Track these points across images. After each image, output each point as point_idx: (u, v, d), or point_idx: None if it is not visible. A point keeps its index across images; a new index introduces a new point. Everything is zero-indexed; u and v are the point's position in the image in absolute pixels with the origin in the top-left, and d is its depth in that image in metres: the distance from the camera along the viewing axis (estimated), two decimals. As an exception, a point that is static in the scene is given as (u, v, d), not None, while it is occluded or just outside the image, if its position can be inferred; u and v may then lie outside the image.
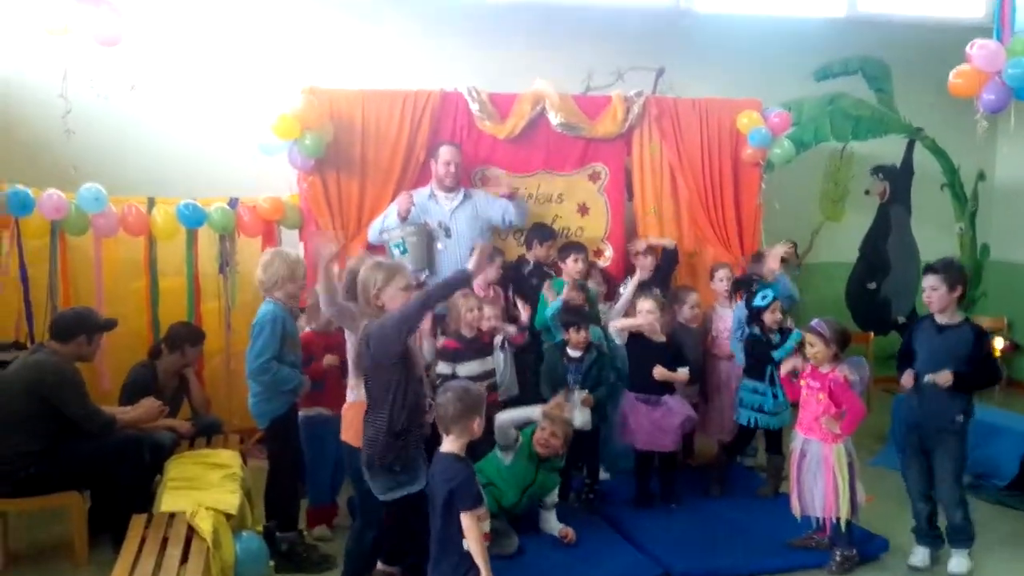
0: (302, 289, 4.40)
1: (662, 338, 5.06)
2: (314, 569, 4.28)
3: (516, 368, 5.24)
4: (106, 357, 5.22)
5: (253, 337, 4.20)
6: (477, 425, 3.33)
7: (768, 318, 5.07)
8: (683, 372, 5.04)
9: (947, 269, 4.23)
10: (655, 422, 4.91)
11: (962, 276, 4.26)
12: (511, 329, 5.12)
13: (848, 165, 7.91)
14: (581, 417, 4.79)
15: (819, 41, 7.63)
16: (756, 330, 5.14)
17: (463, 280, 3.66)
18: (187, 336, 5.19)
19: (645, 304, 5.07)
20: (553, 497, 4.63)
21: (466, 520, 3.11)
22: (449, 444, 3.31)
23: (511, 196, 5.72)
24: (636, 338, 5.09)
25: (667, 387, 5.00)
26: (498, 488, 4.43)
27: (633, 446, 5.02)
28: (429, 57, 6.57)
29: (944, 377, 4.09)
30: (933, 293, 4.22)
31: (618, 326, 5.14)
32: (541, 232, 5.72)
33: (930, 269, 4.27)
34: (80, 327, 4.49)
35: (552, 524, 4.58)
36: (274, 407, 4.26)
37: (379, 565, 3.68)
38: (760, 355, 5.11)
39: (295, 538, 4.36)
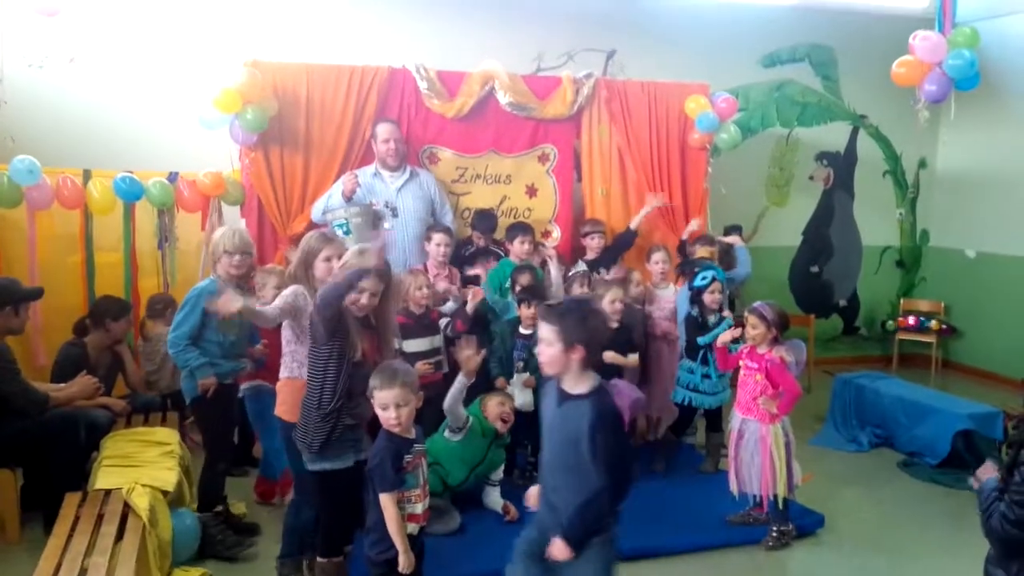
0: (241, 264, 4.20)
1: (615, 324, 5.06)
2: (224, 552, 4.17)
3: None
4: (40, 333, 5.10)
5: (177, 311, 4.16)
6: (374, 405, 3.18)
7: (707, 298, 5.12)
8: (633, 358, 5.08)
9: (564, 317, 2.79)
10: None
11: (587, 329, 2.78)
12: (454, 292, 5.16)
13: (793, 151, 8.02)
14: (522, 397, 4.83)
15: (768, 27, 7.70)
16: (694, 311, 5.19)
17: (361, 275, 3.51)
18: (107, 310, 5.03)
19: (612, 295, 5.07)
20: (499, 474, 4.66)
21: (382, 499, 3.06)
22: None
23: None
24: None
25: (616, 370, 5.02)
26: (443, 467, 4.43)
27: None
28: (376, 32, 6.49)
29: (556, 551, 2.79)
30: (546, 350, 2.83)
31: None
32: (482, 221, 5.74)
33: (544, 314, 2.90)
34: (4, 298, 4.34)
35: (495, 499, 4.60)
36: (192, 385, 4.17)
37: (319, 559, 3.61)
38: (697, 335, 5.17)
39: (209, 519, 4.23)
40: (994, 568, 2.73)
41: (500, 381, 4.91)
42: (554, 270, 5.55)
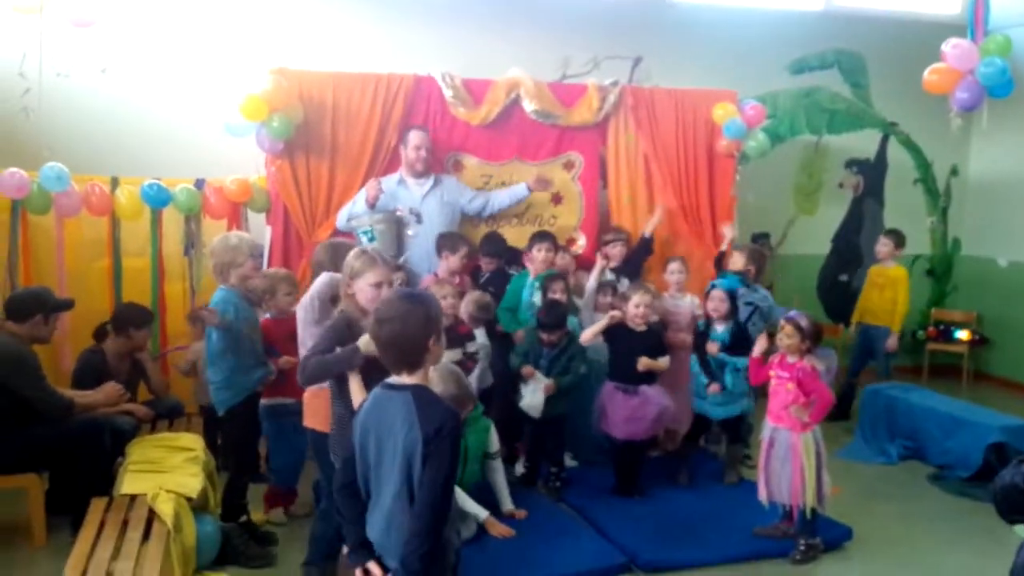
0: (254, 271, 4.25)
1: (643, 327, 5.01)
2: (247, 563, 4.16)
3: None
4: (67, 338, 5.13)
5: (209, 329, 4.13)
6: None
7: (708, 306, 5.13)
8: (664, 361, 5.00)
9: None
10: (632, 410, 4.89)
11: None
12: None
13: (822, 158, 7.92)
14: (532, 399, 4.81)
15: (796, 34, 7.62)
16: (702, 323, 5.17)
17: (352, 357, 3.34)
18: (131, 318, 5.00)
19: (638, 298, 4.98)
20: (494, 445, 4.58)
21: None
22: None
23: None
24: (617, 327, 5.05)
25: (646, 377, 4.95)
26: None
27: (610, 436, 4.99)
28: (402, 40, 6.49)
29: None
30: None
31: (586, 339, 5.04)
32: (488, 245, 5.67)
33: None
34: (36, 307, 4.38)
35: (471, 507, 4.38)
36: (230, 395, 4.17)
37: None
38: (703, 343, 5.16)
39: (232, 529, 4.24)
40: None
41: (527, 369, 4.88)
42: (592, 278, 5.51)
